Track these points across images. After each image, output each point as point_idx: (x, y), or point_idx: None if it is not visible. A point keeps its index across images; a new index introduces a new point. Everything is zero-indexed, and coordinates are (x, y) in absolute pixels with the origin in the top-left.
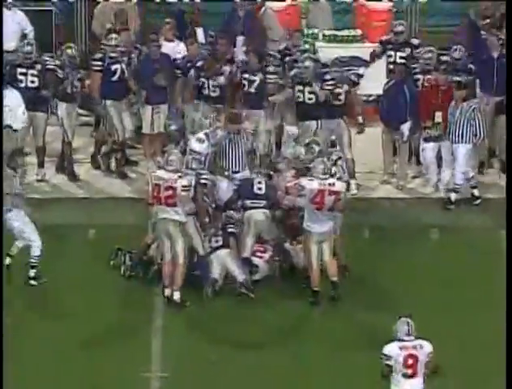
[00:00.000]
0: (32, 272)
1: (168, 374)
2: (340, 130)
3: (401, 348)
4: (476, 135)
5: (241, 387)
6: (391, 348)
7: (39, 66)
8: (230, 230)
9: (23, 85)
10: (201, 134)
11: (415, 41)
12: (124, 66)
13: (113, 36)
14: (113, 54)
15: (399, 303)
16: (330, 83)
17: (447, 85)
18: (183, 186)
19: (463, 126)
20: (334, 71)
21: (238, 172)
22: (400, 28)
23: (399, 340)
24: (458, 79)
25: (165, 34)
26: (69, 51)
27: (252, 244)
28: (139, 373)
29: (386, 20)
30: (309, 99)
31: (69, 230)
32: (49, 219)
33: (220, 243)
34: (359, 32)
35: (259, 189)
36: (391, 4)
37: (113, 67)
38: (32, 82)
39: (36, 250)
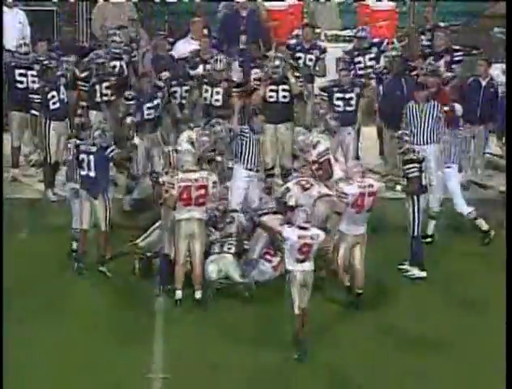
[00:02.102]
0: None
1: (169, 375)
2: (349, 139)
3: (299, 237)
4: (440, 134)
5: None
6: (290, 234)
7: (38, 66)
8: (246, 247)
9: (23, 86)
10: (192, 134)
11: (376, 40)
12: (124, 64)
13: (117, 32)
14: (115, 50)
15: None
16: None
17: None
18: (213, 183)
19: (431, 126)
20: (344, 76)
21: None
22: (363, 34)
23: (299, 227)
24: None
25: (193, 33)
26: (99, 60)
27: (261, 248)
28: (141, 374)
29: (389, 20)
30: (284, 97)
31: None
32: (54, 220)
33: (232, 251)
34: None
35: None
36: (394, 4)
37: (112, 63)
38: (33, 82)
39: None
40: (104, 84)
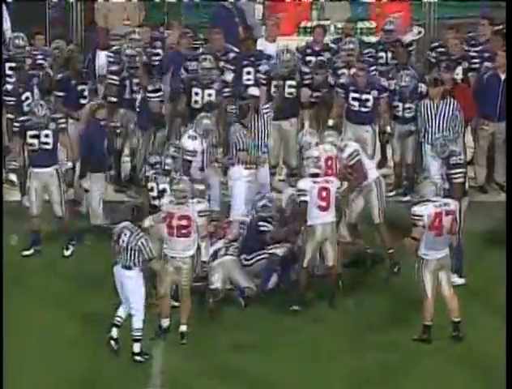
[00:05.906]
0: None
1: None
2: (367, 139)
3: (314, 182)
4: (457, 132)
5: None
6: (305, 183)
7: (30, 61)
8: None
9: (13, 80)
10: (190, 131)
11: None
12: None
13: (137, 30)
14: (128, 52)
15: None
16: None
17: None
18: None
19: (447, 124)
20: (360, 76)
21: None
22: (391, 27)
23: (310, 176)
24: (434, 75)
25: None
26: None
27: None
28: (140, 388)
29: (403, 11)
30: (290, 93)
31: None
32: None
33: (236, 253)
34: (373, 24)
35: None
36: None
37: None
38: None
39: None
40: (135, 80)
